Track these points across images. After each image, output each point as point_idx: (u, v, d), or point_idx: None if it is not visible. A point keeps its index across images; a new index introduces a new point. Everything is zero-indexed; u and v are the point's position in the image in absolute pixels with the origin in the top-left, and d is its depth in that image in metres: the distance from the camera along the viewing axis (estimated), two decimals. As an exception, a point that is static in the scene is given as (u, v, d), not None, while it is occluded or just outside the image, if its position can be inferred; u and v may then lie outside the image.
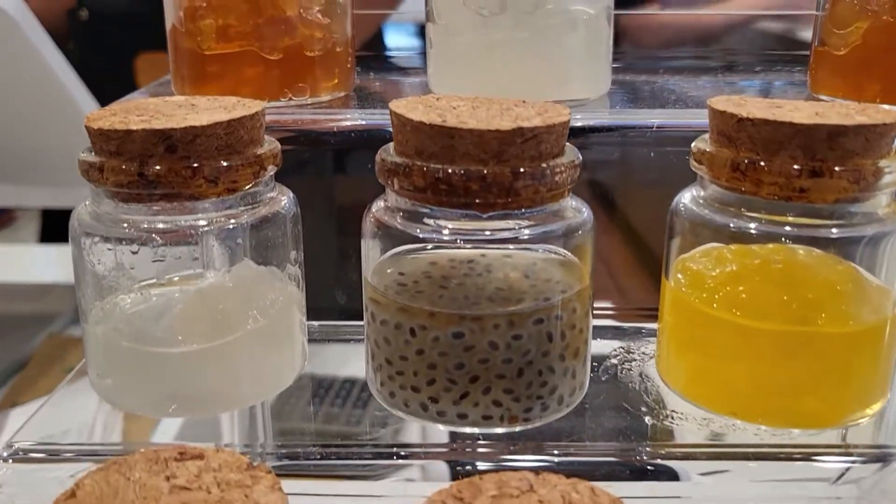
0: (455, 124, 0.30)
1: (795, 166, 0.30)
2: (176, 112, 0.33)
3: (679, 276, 0.35)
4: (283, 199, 0.36)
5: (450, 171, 0.30)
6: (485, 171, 0.30)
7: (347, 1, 0.43)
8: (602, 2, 0.41)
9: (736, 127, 0.31)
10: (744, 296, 0.33)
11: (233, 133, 0.32)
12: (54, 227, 0.90)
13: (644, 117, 0.40)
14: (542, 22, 0.39)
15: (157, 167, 0.31)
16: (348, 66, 0.43)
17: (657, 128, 0.39)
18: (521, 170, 0.30)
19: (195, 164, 0.31)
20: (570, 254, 0.33)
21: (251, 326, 0.34)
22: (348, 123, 0.39)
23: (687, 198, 0.35)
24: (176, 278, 0.35)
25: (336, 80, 0.42)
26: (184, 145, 0.31)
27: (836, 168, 0.30)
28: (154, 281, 0.35)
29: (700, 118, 0.35)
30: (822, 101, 0.39)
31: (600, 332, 0.41)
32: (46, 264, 0.80)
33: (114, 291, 0.34)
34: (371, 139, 0.37)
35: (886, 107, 0.33)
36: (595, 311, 0.35)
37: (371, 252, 0.33)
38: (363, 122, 0.39)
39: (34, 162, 0.73)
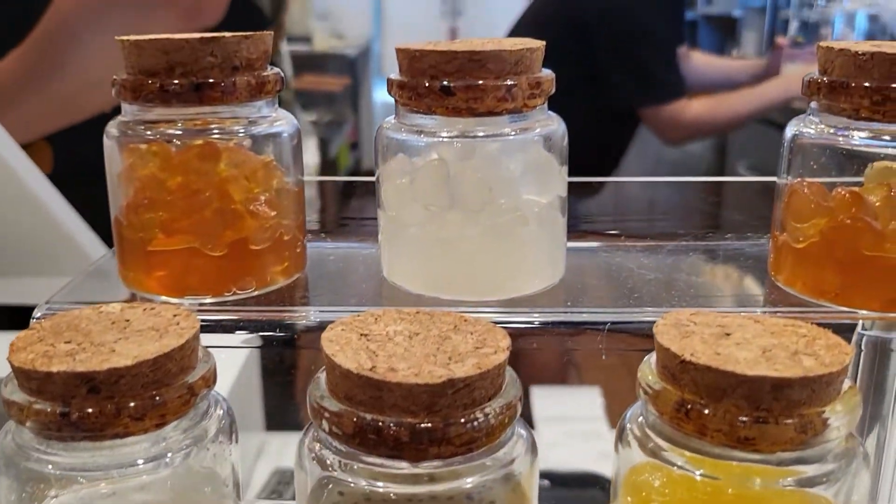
0: (383, 374, 0.29)
1: (740, 417, 0.29)
2: (105, 338, 0.32)
3: (628, 498, 0.34)
4: (218, 416, 0.35)
5: (379, 422, 0.29)
6: (415, 423, 0.29)
7: (298, 187, 0.42)
8: (553, 191, 0.40)
9: (680, 367, 0.30)
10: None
11: (160, 368, 0.31)
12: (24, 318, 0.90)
13: (594, 316, 0.38)
14: (491, 219, 0.38)
15: (79, 411, 0.30)
16: (298, 250, 0.42)
17: (610, 325, 0.38)
18: (453, 420, 0.29)
19: (119, 404, 0.30)
20: (510, 487, 0.32)
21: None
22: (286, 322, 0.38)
23: (636, 420, 0.33)
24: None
25: (286, 265, 0.41)
26: (107, 386, 0.30)
27: (782, 419, 0.29)
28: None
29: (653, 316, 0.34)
30: (776, 312, 0.38)
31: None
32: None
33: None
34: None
35: (842, 343, 0.31)
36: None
37: (303, 485, 0.32)
38: (303, 327, 0.38)
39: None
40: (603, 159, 1.52)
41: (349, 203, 0.55)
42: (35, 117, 0.81)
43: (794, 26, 2.50)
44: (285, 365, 0.71)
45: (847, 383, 0.31)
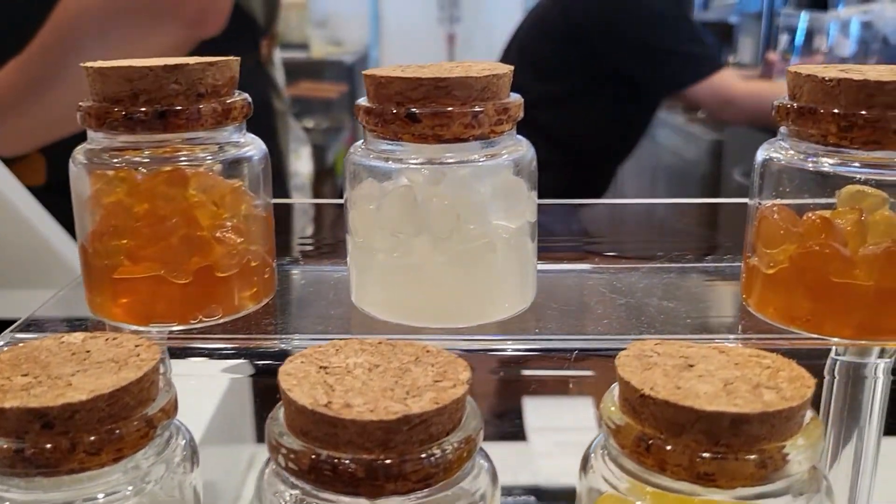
0: (338, 410, 0.29)
1: (700, 453, 0.29)
2: (63, 370, 0.32)
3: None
4: (179, 446, 0.34)
5: (335, 458, 0.29)
6: (371, 460, 0.28)
7: (266, 212, 0.42)
8: (523, 216, 0.40)
9: (640, 401, 0.30)
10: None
11: (117, 402, 0.31)
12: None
13: (562, 343, 0.38)
14: (459, 246, 0.38)
15: (33, 447, 0.30)
16: (266, 276, 0.42)
17: (578, 352, 0.38)
18: (409, 457, 0.29)
19: (74, 440, 0.30)
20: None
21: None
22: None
23: (599, 450, 0.33)
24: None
25: (255, 290, 0.41)
26: (61, 422, 0.30)
27: (742, 455, 0.29)
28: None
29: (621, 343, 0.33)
30: (748, 339, 0.38)
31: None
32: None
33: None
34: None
35: (805, 375, 0.31)
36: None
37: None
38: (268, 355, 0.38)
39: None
40: (623, 145, 1.54)
41: (323, 224, 0.55)
42: (35, 127, 0.81)
43: (784, 39, 2.50)
44: (276, 378, 0.71)
45: (810, 415, 0.31)
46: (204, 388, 0.68)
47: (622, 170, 1.65)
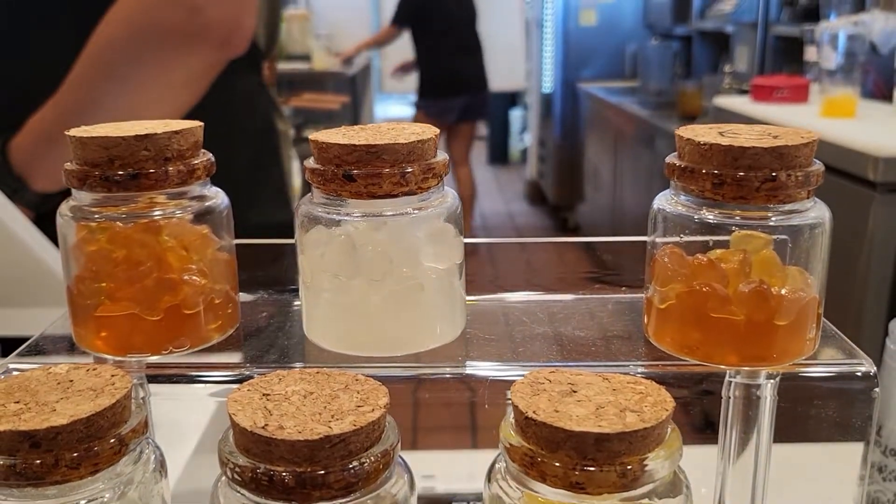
0: (273, 431, 0.35)
1: (571, 466, 0.35)
2: (49, 398, 0.38)
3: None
4: (150, 459, 0.41)
5: (272, 471, 0.35)
6: (300, 472, 0.35)
7: (230, 254, 0.48)
8: (451, 258, 0.46)
9: (525, 423, 0.36)
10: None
11: (93, 425, 0.37)
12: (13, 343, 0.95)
13: (480, 370, 0.44)
14: (392, 286, 0.44)
15: (24, 462, 0.36)
16: (230, 311, 0.48)
17: (490, 380, 0.44)
18: (331, 469, 0.35)
19: (58, 457, 0.36)
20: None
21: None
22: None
23: (499, 463, 0.39)
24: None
25: (220, 323, 0.47)
26: (47, 442, 0.36)
27: (605, 467, 0.35)
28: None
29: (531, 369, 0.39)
30: (648, 365, 0.44)
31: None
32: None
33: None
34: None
35: (668, 399, 0.37)
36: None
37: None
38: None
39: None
40: None
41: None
42: None
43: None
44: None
45: (670, 429, 0.37)
46: (194, 409, 0.73)
47: (622, 177, 1.70)
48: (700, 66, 3.52)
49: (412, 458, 0.40)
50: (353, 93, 4.10)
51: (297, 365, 0.45)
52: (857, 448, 0.47)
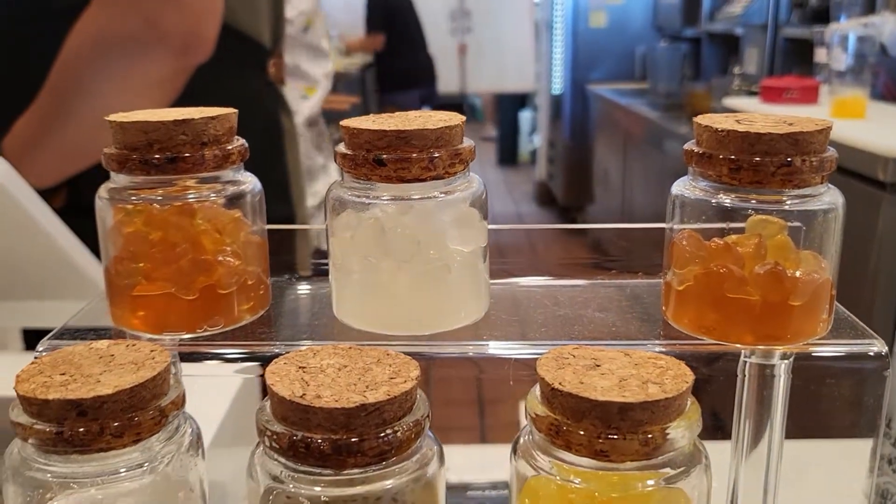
0: (311, 400, 0.36)
1: (595, 434, 0.36)
2: (93, 370, 0.40)
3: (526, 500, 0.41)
4: (187, 432, 0.42)
5: (308, 438, 0.36)
6: (335, 439, 0.36)
7: (261, 238, 0.50)
8: (475, 241, 0.47)
9: (551, 394, 0.38)
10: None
11: (136, 395, 0.39)
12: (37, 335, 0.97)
13: (503, 349, 0.46)
14: (419, 267, 0.46)
15: (70, 430, 0.37)
16: (261, 292, 0.50)
17: (516, 360, 0.45)
18: (366, 437, 0.36)
19: (103, 425, 0.38)
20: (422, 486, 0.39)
21: (155, 549, 0.41)
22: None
23: (526, 436, 0.41)
24: None
25: (252, 304, 0.49)
26: (93, 410, 0.38)
27: (629, 436, 0.36)
28: None
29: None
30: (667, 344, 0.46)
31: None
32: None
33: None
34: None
35: (688, 373, 0.39)
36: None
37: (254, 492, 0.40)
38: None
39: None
40: None
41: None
42: (55, 160, 0.89)
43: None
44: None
45: (690, 401, 0.38)
46: (214, 393, 0.75)
47: (631, 178, 1.72)
48: (709, 67, 3.53)
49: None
50: (363, 94, 4.11)
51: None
52: (866, 443, 0.49)
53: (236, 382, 0.78)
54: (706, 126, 0.44)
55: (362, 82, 4.17)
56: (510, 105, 5.65)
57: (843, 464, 0.59)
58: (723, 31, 3.36)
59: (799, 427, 0.50)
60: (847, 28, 2.39)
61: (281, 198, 1.16)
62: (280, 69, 1.27)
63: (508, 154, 5.82)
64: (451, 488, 0.72)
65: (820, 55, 2.48)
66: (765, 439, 0.51)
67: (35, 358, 0.41)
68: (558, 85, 4.45)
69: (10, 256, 0.82)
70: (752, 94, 2.70)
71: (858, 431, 0.49)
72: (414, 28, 4.39)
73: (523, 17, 5.27)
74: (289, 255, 0.68)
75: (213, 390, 0.75)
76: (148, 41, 0.84)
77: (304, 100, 2.31)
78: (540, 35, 4.75)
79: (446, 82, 4.91)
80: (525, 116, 5.70)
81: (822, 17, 2.63)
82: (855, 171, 1.56)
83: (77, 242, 0.82)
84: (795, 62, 2.81)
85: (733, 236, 0.46)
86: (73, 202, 0.92)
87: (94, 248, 0.79)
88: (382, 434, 0.37)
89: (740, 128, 0.43)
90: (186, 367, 0.48)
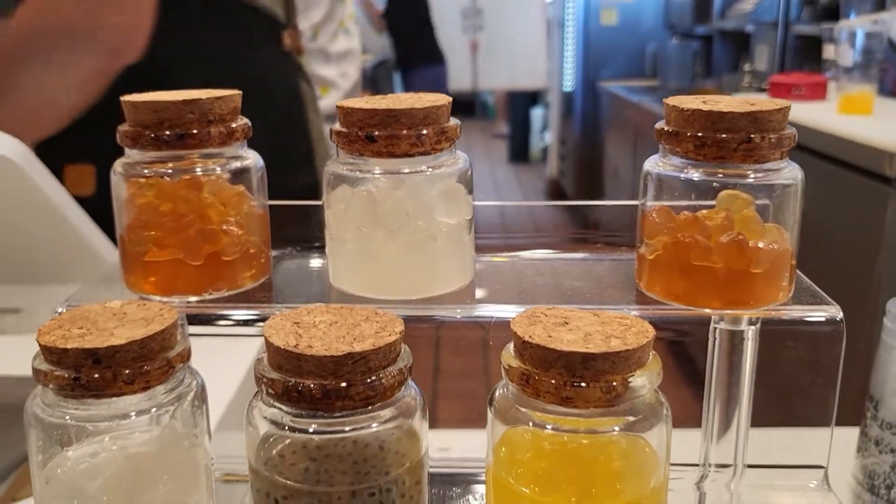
0: (302, 349, 0.40)
1: (561, 382, 0.40)
2: (108, 325, 0.44)
3: (503, 448, 0.44)
4: (192, 385, 0.46)
5: (300, 384, 0.40)
6: (325, 384, 0.40)
7: (263, 210, 0.53)
8: (461, 214, 0.51)
9: (522, 346, 0.41)
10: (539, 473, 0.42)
11: (146, 346, 0.43)
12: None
13: (487, 311, 0.49)
14: (408, 237, 0.49)
15: (87, 377, 0.41)
16: (262, 260, 0.53)
17: (494, 322, 0.49)
18: (353, 382, 0.40)
19: (116, 372, 0.42)
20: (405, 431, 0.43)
21: (163, 489, 0.44)
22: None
23: (501, 389, 0.44)
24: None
25: (253, 271, 0.53)
26: (107, 359, 0.42)
27: (592, 384, 0.40)
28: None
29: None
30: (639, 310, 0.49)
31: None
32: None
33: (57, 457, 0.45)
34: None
35: (649, 330, 0.42)
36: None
37: (252, 438, 0.43)
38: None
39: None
40: None
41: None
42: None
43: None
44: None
45: (651, 355, 0.42)
46: (225, 372, 0.78)
47: (625, 171, 1.75)
48: (720, 65, 3.55)
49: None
50: (374, 87, 4.16)
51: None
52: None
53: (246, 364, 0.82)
54: (674, 106, 0.48)
55: (374, 80, 4.22)
56: (522, 102, 5.68)
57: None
58: (734, 28, 3.38)
59: (761, 387, 0.54)
60: (855, 24, 2.40)
61: (305, 164, 1.18)
62: (295, 40, 1.28)
63: (520, 151, 5.85)
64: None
65: (828, 52, 2.49)
66: (734, 399, 0.55)
67: (56, 314, 0.45)
68: (570, 82, 4.48)
69: (28, 239, 0.86)
70: (761, 90, 2.72)
71: (816, 391, 0.52)
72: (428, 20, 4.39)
73: (535, 14, 5.30)
74: (300, 227, 0.71)
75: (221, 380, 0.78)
76: (75, 36, 0.86)
77: (319, 99, 2.35)
78: (552, 32, 4.78)
79: (458, 79, 4.95)
80: (536, 114, 5.73)
81: (833, 13, 2.65)
82: (862, 167, 1.58)
83: (96, 228, 0.86)
84: (806, 59, 2.83)
85: (703, 211, 0.50)
86: (104, 189, 0.96)
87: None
88: (368, 380, 0.41)
89: (705, 107, 0.47)
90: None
